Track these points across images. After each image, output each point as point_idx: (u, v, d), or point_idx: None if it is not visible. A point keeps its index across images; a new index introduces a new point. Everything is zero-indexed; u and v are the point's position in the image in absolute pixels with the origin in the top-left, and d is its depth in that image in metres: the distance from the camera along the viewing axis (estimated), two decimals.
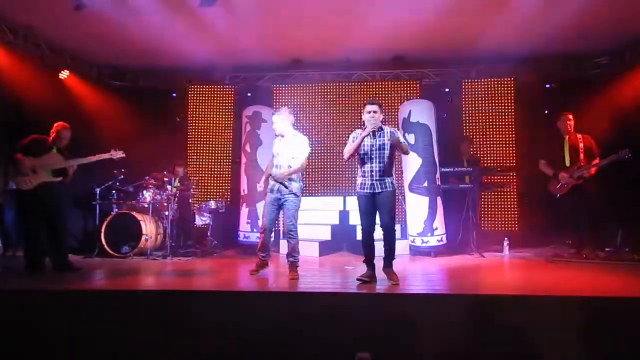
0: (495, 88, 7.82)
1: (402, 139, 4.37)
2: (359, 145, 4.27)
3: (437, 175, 6.48)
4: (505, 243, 6.28)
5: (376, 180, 4.23)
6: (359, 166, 4.39)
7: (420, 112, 6.54)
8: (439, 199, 6.42)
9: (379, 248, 4.31)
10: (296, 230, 4.65)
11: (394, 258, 4.32)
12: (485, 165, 7.51)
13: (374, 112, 4.25)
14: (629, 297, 3.43)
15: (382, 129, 4.31)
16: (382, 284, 4.13)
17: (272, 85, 8.22)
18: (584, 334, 3.24)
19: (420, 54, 7.39)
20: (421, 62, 7.72)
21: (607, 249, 5.77)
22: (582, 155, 5.74)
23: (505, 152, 7.72)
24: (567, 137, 5.90)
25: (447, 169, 6.72)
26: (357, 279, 4.18)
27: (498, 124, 7.79)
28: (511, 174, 7.53)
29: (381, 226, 4.28)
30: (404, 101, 7.18)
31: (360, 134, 4.28)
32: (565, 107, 6.20)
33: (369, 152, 4.27)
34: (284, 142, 4.72)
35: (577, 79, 7.43)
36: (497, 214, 7.68)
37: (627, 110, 6.46)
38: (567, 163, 5.85)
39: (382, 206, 4.24)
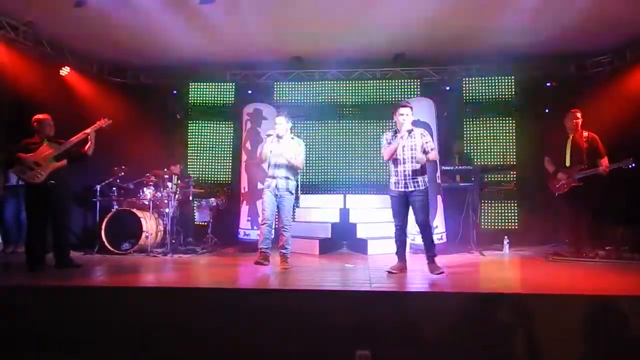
0: (496, 86, 7.81)
1: (431, 147, 4.53)
2: (397, 148, 4.45)
3: (438, 174, 6.48)
4: (506, 241, 6.29)
5: (410, 179, 4.44)
6: (391, 167, 4.59)
7: (421, 110, 6.51)
8: (439, 197, 6.42)
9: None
10: (290, 225, 5.03)
11: (435, 254, 4.49)
12: (485, 163, 7.51)
13: (407, 114, 4.45)
14: (628, 296, 3.43)
15: (411, 130, 4.48)
16: (385, 281, 4.15)
17: (272, 83, 8.23)
18: (583, 332, 3.25)
19: (420, 52, 7.38)
20: (421, 60, 7.72)
21: (606, 248, 5.73)
22: (585, 157, 5.54)
23: (506, 151, 7.72)
24: (572, 135, 5.70)
25: (447, 168, 6.72)
26: (387, 271, 4.47)
27: (498, 123, 7.79)
28: (511, 172, 7.53)
29: (417, 223, 4.52)
30: (404, 99, 7.18)
31: (397, 137, 4.47)
32: (566, 106, 6.13)
33: (402, 153, 4.47)
34: (283, 142, 4.97)
35: (578, 77, 7.42)
36: (497, 213, 7.69)
37: (628, 109, 6.45)
38: (568, 163, 5.71)
39: (416, 204, 4.47)
